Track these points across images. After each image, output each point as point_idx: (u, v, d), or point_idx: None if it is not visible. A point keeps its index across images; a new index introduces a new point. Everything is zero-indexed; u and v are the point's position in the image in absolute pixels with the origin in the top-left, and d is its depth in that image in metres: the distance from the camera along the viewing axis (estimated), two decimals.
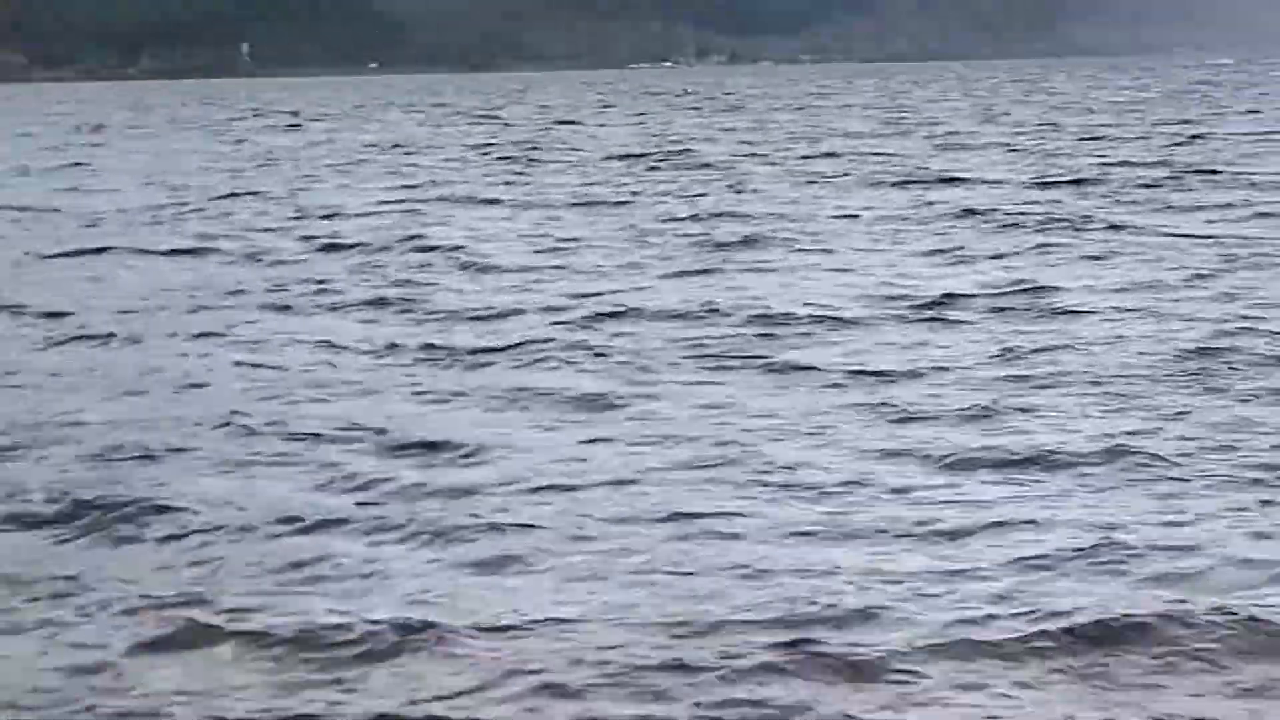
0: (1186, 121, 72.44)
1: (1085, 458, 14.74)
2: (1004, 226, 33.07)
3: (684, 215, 37.02)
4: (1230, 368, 18.42)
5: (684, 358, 20.15)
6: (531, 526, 13.24)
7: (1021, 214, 34.79)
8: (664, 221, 35.82)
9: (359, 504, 14.00)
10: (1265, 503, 13.38)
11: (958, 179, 44.45)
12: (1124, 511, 13.22)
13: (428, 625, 11.01)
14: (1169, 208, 35.84)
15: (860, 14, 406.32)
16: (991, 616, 11.00)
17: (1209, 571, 11.76)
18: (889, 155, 55.13)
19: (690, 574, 12.04)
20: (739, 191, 42.97)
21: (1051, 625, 10.78)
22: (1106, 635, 10.60)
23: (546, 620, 11.16)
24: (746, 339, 21.27)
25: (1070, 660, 10.37)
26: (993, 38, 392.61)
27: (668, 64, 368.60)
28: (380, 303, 25.24)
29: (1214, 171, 44.02)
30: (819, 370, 19.09)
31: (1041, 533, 12.71)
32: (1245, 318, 21.49)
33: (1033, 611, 11.05)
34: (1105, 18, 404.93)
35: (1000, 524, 12.98)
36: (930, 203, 38.00)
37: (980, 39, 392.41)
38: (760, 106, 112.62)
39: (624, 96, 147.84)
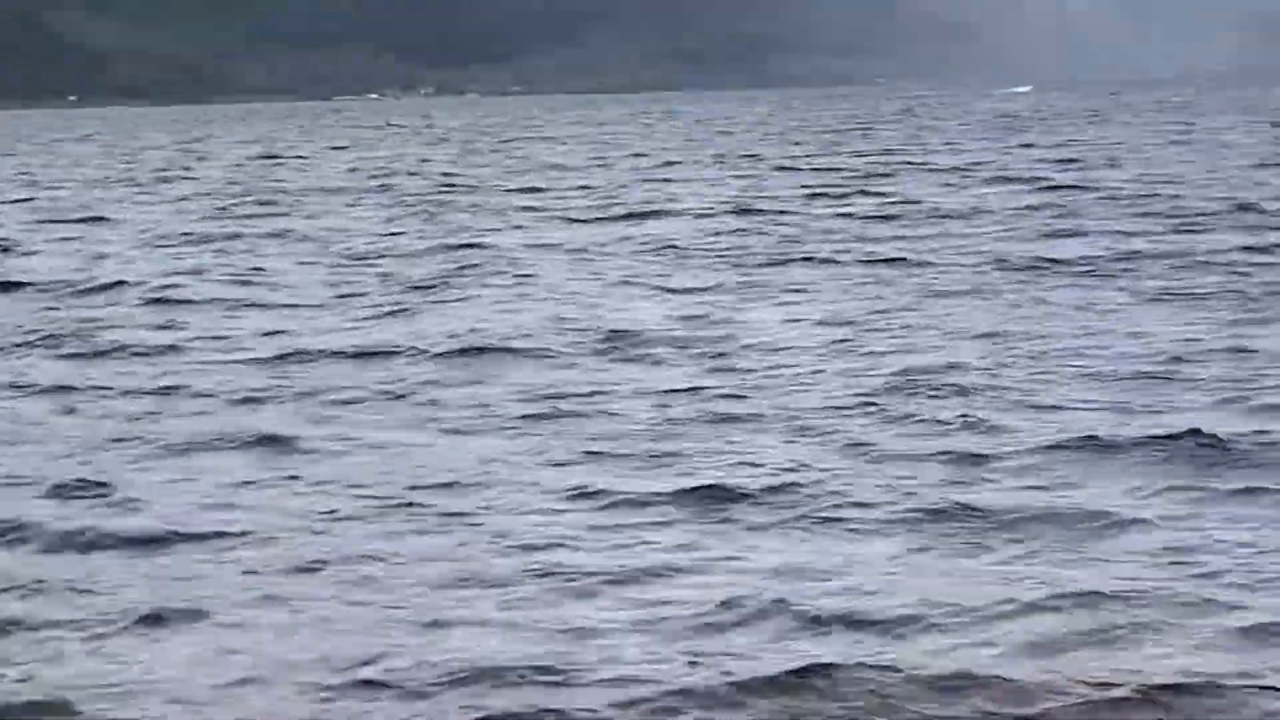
0: (888, 151, 73.38)
1: (772, 498, 14.38)
2: (703, 258, 32.88)
3: (382, 250, 36.38)
4: (920, 401, 18.21)
5: (370, 398, 19.53)
6: (199, 578, 12.62)
7: (722, 247, 34.67)
8: (360, 258, 35.13)
9: (15, 556, 13.26)
10: (943, 542, 13.14)
11: (659, 211, 44.32)
12: (810, 553, 12.91)
13: (73, 693, 10.35)
14: (868, 239, 35.93)
15: (569, 46, 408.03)
16: (677, 666, 10.64)
17: (890, 615, 11.46)
18: (591, 188, 54.99)
19: (363, 628, 11.49)
20: (439, 225, 42.40)
21: (737, 675, 10.44)
22: (792, 683, 10.29)
23: (210, 681, 10.58)
24: (436, 376, 20.72)
25: (756, 711, 10.01)
26: (703, 69, 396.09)
27: (374, 96, 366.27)
28: (54, 341, 24.28)
29: (913, 202, 44.29)
30: (507, 407, 18.61)
31: (728, 577, 12.35)
32: (938, 349, 21.44)
33: (717, 660, 10.69)
34: (812, 50, 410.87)
35: (685, 569, 12.60)
36: (629, 236, 37.75)
37: (690, 70, 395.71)
38: (463, 138, 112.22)
39: (326, 129, 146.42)
